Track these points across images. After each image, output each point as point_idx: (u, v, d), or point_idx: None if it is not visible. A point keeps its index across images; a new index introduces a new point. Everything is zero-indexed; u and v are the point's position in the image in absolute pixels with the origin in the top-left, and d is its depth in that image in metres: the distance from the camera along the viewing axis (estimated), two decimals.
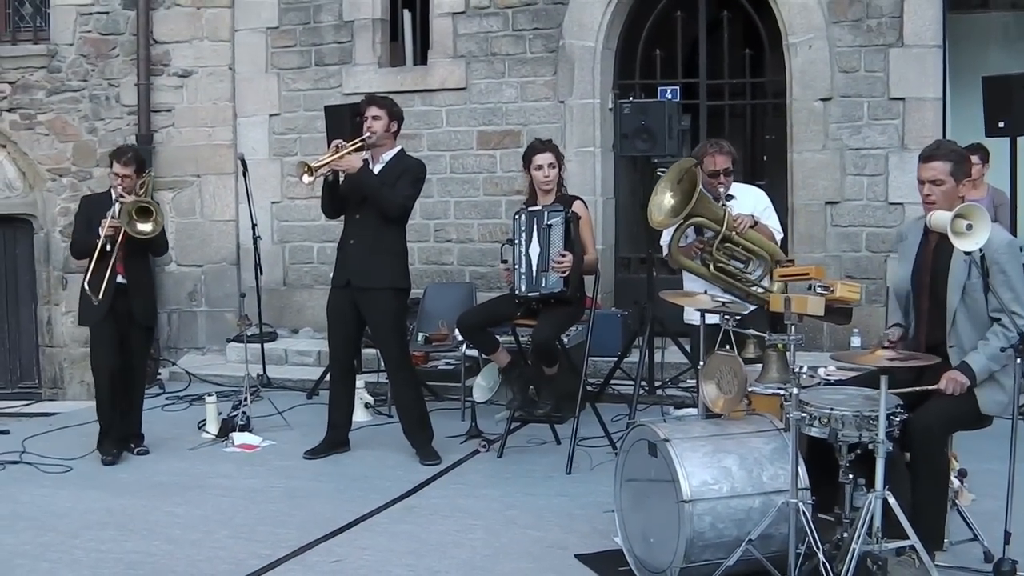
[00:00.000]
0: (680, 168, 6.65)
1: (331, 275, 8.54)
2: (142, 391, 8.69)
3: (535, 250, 7.92)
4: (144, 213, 7.97)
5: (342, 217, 8.28)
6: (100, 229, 7.99)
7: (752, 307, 6.71)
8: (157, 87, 12.67)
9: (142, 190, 8.22)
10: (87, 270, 8.16)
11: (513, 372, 8.32)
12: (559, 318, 7.96)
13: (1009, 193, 9.31)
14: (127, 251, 8.10)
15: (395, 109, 8.15)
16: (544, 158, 8.11)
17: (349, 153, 7.84)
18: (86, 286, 8.14)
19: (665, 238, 7.44)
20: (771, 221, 7.49)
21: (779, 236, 7.50)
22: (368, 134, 7.98)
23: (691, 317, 7.49)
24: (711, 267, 6.84)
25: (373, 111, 8.02)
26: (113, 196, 8.16)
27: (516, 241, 8.04)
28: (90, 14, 12.76)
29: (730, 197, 7.27)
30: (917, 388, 5.41)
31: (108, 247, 8.00)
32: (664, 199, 6.65)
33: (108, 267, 8.03)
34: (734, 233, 6.87)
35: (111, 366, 8.24)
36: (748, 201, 7.43)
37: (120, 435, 8.40)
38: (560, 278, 7.80)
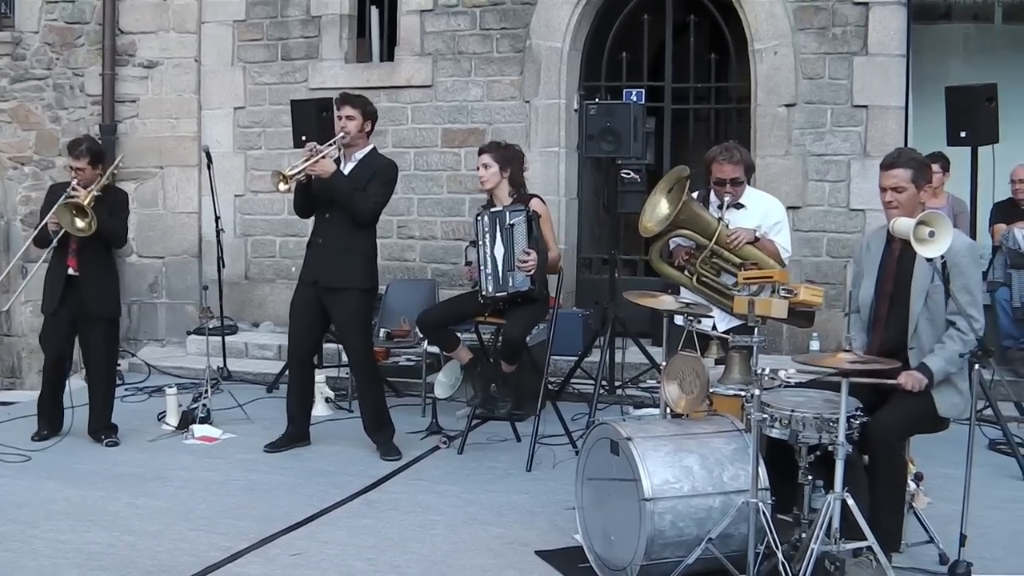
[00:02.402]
0: (675, 175, 6.62)
1: (295, 270, 8.54)
2: (106, 384, 8.62)
3: (500, 250, 7.97)
4: (82, 212, 7.98)
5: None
6: (47, 221, 8.07)
7: (739, 322, 6.64)
8: (122, 77, 12.63)
9: (104, 181, 8.27)
10: (47, 261, 8.31)
11: (474, 369, 8.35)
12: (528, 316, 8.05)
13: (969, 202, 9.40)
14: (79, 244, 8.15)
15: (369, 108, 8.14)
16: (481, 159, 8.26)
17: (323, 157, 7.82)
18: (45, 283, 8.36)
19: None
20: (779, 237, 7.25)
21: (786, 254, 7.25)
22: (342, 134, 7.98)
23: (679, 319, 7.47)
24: (694, 279, 6.80)
25: (347, 111, 8.01)
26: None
27: (480, 242, 8.09)
28: (56, 2, 12.74)
29: (740, 206, 7.16)
30: (876, 380, 5.45)
31: (55, 241, 8.11)
32: (658, 206, 6.63)
33: (61, 260, 8.21)
34: (724, 249, 6.77)
35: (54, 356, 8.41)
36: (758, 213, 7.25)
37: (90, 427, 8.51)
38: (527, 276, 7.86)
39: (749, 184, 7.38)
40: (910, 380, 5.56)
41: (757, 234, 7.02)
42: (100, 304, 8.36)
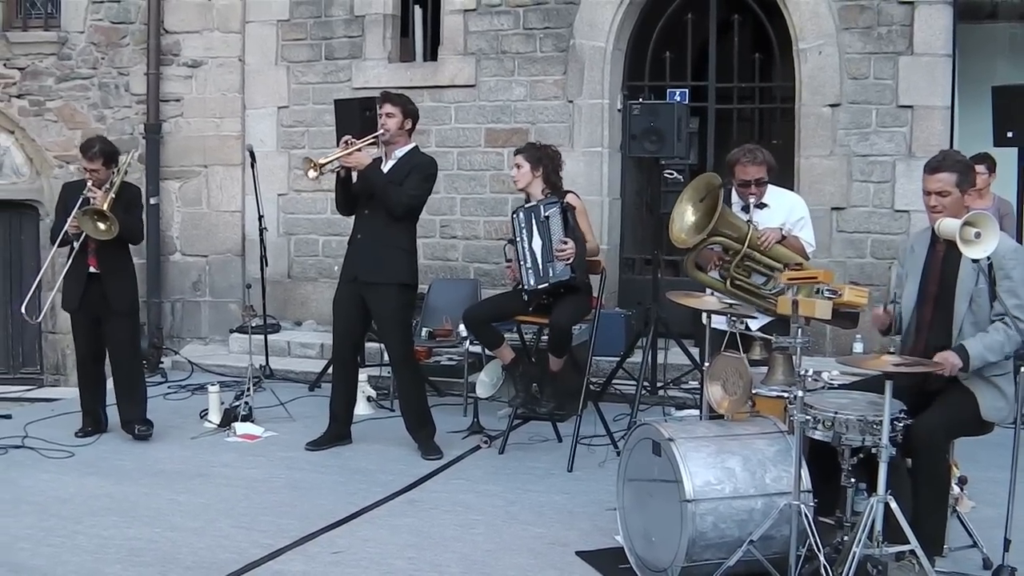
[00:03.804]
0: (706, 184, 6.58)
1: (337, 269, 8.58)
2: (132, 379, 8.65)
3: (537, 243, 8.01)
4: (103, 216, 8.08)
5: None
6: (67, 227, 8.21)
7: (769, 319, 6.66)
8: (166, 77, 12.69)
9: (117, 178, 8.35)
10: (67, 260, 8.46)
11: (516, 369, 8.35)
12: (574, 305, 8.05)
13: (1016, 203, 9.32)
14: (98, 243, 8.26)
15: (410, 107, 8.18)
16: (515, 159, 8.38)
17: (359, 149, 7.87)
18: (60, 282, 8.56)
19: None
20: (804, 233, 7.32)
21: (810, 249, 7.34)
22: (382, 131, 8.02)
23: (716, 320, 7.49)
24: (728, 283, 6.78)
25: (387, 108, 8.06)
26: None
27: (518, 238, 8.14)
28: (101, 2, 12.80)
29: (763, 206, 7.17)
30: (918, 369, 5.35)
31: (75, 243, 8.28)
32: (686, 214, 6.58)
33: (82, 260, 8.36)
34: (756, 252, 6.75)
35: (84, 352, 8.62)
36: (782, 210, 7.30)
37: (122, 420, 8.62)
38: (566, 266, 7.88)
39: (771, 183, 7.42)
40: (945, 360, 5.47)
41: (783, 232, 7.06)
42: (122, 300, 8.48)
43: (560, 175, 8.40)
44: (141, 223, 8.74)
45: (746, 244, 6.65)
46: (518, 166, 8.28)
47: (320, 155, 8.02)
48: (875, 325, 6.03)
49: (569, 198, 8.20)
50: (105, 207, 8.08)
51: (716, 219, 6.41)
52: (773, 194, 7.36)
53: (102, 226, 8.06)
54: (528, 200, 8.28)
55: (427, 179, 8.18)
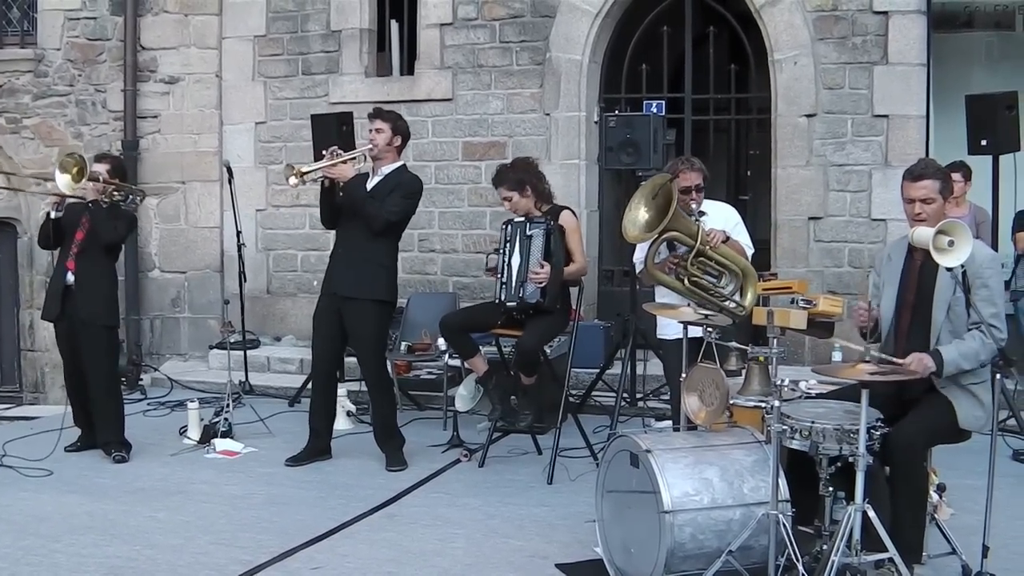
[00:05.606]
0: (655, 183, 6.63)
1: (316, 284, 8.60)
2: (107, 395, 8.46)
3: (516, 260, 7.99)
4: (80, 165, 7.91)
5: None
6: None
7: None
8: (144, 93, 12.69)
9: (113, 188, 8.29)
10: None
11: (489, 381, 8.36)
12: (544, 328, 8.03)
13: (991, 211, 9.37)
14: (79, 248, 8.20)
15: (400, 123, 8.19)
16: (500, 193, 8.29)
17: (344, 162, 7.87)
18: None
19: (638, 255, 7.49)
20: (742, 237, 7.51)
21: (750, 252, 7.49)
22: (370, 146, 8.02)
23: (664, 332, 7.57)
24: (686, 281, 6.84)
25: (377, 124, 8.09)
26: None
27: (501, 250, 8.14)
28: (78, 19, 12.80)
29: (702, 213, 7.31)
30: (890, 364, 5.36)
31: (53, 213, 8.18)
32: (639, 214, 6.63)
33: (62, 264, 8.29)
34: (707, 248, 6.85)
35: (65, 366, 8.50)
36: (719, 217, 7.47)
37: (99, 441, 8.52)
38: (537, 289, 7.86)
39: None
40: (917, 363, 5.42)
41: (726, 233, 7.21)
42: (92, 310, 8.25)
43: (543, 181, 8.37)
44: (120, 232, 8.39)
45: (698, 241, 6.73)
46: (507, 199, 8.18)
47: (305, 164, 7.99)
48: (855, 320, 5.98)
49: (564, 216, 8.17)
50: (85, 168, 7.89)
51: (673, 210, 6.46)
52: (707, 204, 7.55)
53: (69, 173, 7.89)
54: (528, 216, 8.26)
55: (409, 196, 8.15)
